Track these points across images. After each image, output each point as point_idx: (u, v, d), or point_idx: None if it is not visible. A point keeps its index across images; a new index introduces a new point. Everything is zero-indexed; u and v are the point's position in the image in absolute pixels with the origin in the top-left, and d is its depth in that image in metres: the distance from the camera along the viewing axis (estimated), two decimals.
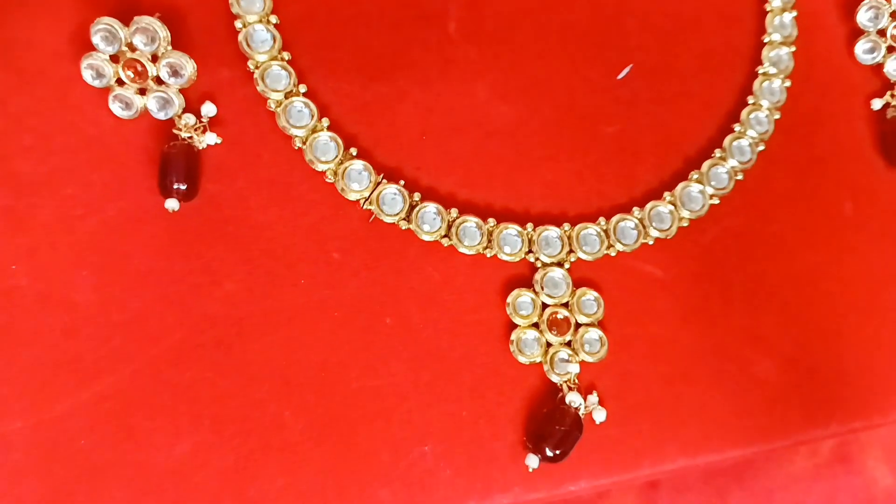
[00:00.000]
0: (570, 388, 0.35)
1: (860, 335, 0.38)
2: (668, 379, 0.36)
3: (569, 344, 0.35)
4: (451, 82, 0.37)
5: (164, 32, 0.33)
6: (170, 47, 0.34)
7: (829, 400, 0.37)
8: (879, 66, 0.41)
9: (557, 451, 0.34)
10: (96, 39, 0.33)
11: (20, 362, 0.32)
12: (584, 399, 0.35)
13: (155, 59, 0.34)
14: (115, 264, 0.33)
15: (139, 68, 0.34)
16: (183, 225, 0.34)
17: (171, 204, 0.34)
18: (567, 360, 0.35)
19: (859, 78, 0.41)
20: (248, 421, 0.33)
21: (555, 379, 0.35)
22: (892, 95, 0.40)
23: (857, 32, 0.41)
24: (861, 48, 0.40)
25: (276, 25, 0.36)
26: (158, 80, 0.34)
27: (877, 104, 0.41)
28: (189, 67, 0.34)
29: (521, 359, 0.35)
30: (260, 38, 0.35)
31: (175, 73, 0.34)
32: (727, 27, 0.40)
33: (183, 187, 0.34)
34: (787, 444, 0.37)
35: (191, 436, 0.33)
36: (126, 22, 0.33)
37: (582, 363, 0.35)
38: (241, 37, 0.35)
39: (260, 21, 0.36)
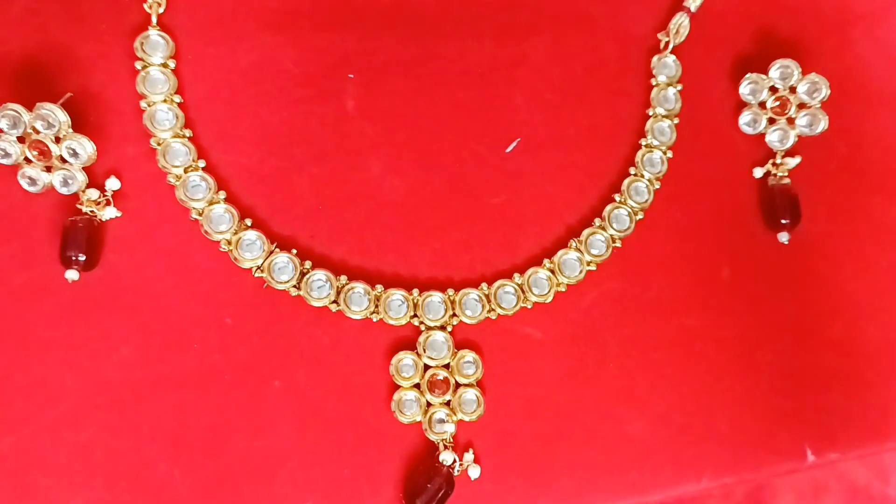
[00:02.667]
0: (445, 447, 0.32)
1: (732, 394, 0.35)
2: (543, 437, 0.33)
3: (448, 404, 0.33)
4: (346, 156, 0.34)
5: (63, 117, 0.31)
6: (70, 130, 0.31)
7: (701, 456, 0.34)
8: (762, 136, 0.37)
9: None
10: (2, 123, 0.31)
11: None
12: (460, 457, 0.32)
13: (58, 140, 0.31)
14: (18, 332, 0.31)
15: (43, 148, 0.31)
16: (84, 294, 0.31)
17: (71, 275, 0.31)
18: (443, 420, 0.32)
19: (744, 147, 0.37)
20: (138, 479, 0.31)
21: (432, 438, 0.32)
22: (773, 164, 0.37)
23: (742, 104, 0.37)
24: (743, 119, 0.37)
25: (179, 104, 0.33)
26: (62, 159, 0.31)
27: (758, 172, 0.37)
28: (88, 148, 0.31)
29: (402, 419, 0.32)
30: (163, 116, 0.33)
31: (75, 154, 0.31)
32: (614, 101, 0.37)
33: (82, 258, 0.31)
34: (660, 499, 0.34)
35: (84, 493, 0.30)
36: (30, 107, 0.31)
37: (459, 422, 0.32)
38: (145, 116, 0.33)
39: (164, 101, 0.33)
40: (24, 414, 0.31)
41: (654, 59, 0.37)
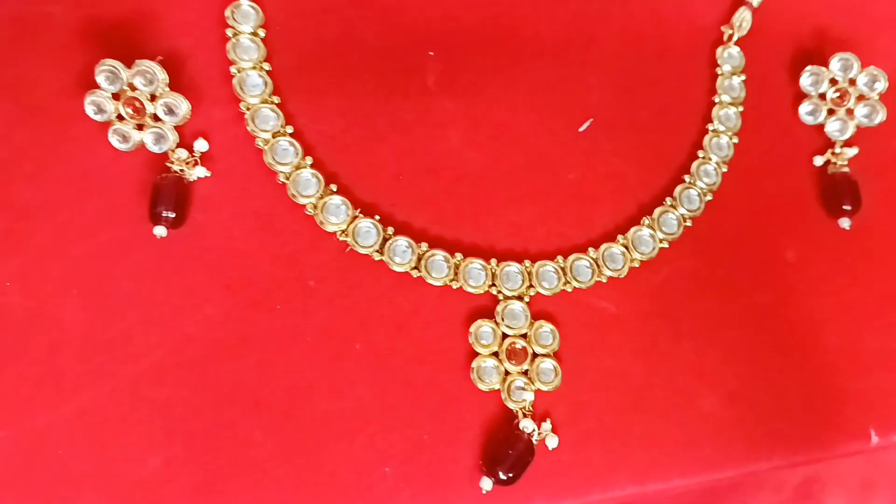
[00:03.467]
0: (524, 415, 0.31)
1: (801, 374, 0.34)
2: (618, 409, 0.32)
3: (525, 373, 0.31)
4: (426, 128, 0.33)
5: (162, 75, 0.30)
6: (167, 88, 0.30)
7: (771, 434, 0.33)
8: (821, 126, 0.37)
9: (510, 475, 0.29)
10: (100, 78, 0.29)
11: (6, 376, 0.28)
12: (538, 426, 0.31)
13: (153, 98, 0.30)
14: (103, 286, 0.29)
15: (138, 105, 0.30)
16: (169, 251, 0.30)
17: (160, 231, 0.30)
18: (523, 389, 0.31)
19: (803, 136, 0.37)
20: (218, 438, 0.29)
21: (511, 406, 0.31)
22: (833, 153, 0.37)
23: (802, 96, 0.37)
24: (804, 110, 0.36)
25: (268, 72, 0.32)
26: (155, 118, 0.30)
27: (818, 161, 0.36)
28: (184, 107, 0.30)
29: (481, 386, 0.31)
30: (252, 82, 0.32)
31: (171, 111, 0.30)
32: (682, 87, 0.36)
33: (171, 216, 0.30)
34: (732, 476, 0.33)
35: (163, 451, 0.28)
36: (128, 64, 0.30)
37: (537, 392, 0.31)
38: (235, 81, 0.32)
39: (254, 67, 0.32)
40: (106, 369, 0.29)
41: (719, 49, 0.36)
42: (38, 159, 0.30)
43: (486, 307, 0.32)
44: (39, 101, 0.31)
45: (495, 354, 0.31)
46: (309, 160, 0.32)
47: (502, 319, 0.31)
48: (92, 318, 0.29)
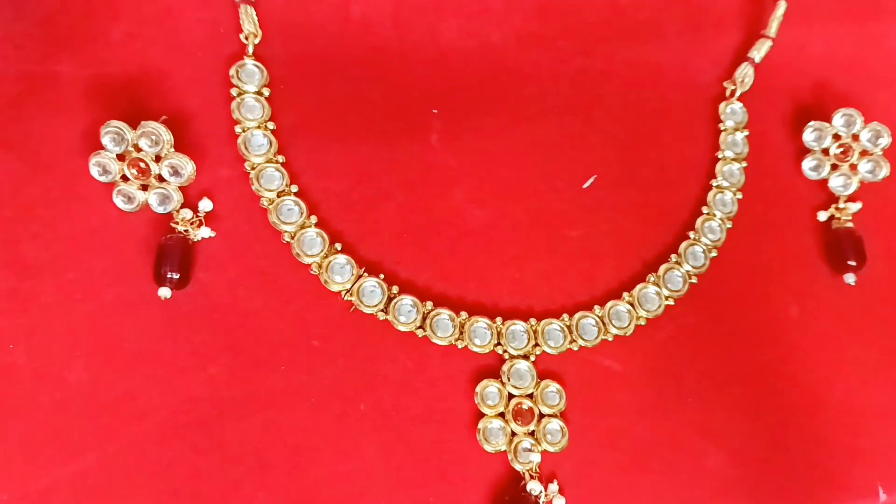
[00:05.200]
0: (531, 477, 0.32)
1: (806, 431, 0.35)
2: (624, 468, 0.33)
3: (532, 434, 0.33)
4: (430, 186, 0.35)
5: (167, 136, 0.32)
6: (172, 149, 0.32)
7: (777, 492, 0.34)
8: (825, 181, 0.39)
9: None
10: (105, 140, 0.31)
11: (10, 436, 0.30)
12: (545, 487, 0.32)
13: (158, 159, 0.32)
14: (108, 346, 0.31)
15: (143, 166, 0.32)
16: (174, 311, 0.32)
17: (164, 292, 0.31)
18: (529, 450, 0.32)
19: (806, 192, 0.39)
20: (223, 500, 0.30)
21: (518, 468, 0.32)
22: (837, 209, 0.39)
23: (805, 150, 0.39)
24: (807, 165, 0.39)
25: (272, 131, 0.34)
26: (160, 178, 0.32)
27: (822, 216, 0.38)
28: (189, 168, 0.32)
29: (487, 447, 0.32)
30: (257, 142, 0.34)
31: (176, 172, 0.32)
32: (684, 144, 0.38)
33: (176, 276, 0.31)
34: None
35: None
36: (134, 125, 0.32)
37: (544, 452, 0.32)
38: (239, 140, 0.34)
39: (258, 127, 0.34)
40: (110, 429, 0.30)
41: (722, 105, 0.39)
42: (44, 218, 0.32)
43: (492, 367, 0.33)
44: (46, 160, 0.32)
45: (501, 415, 0.33)
46: (314, 219, 0.33)
47: (508, 379, 0.33)
48: (96, 378, 0.31)
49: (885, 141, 0.38)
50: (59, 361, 0.31)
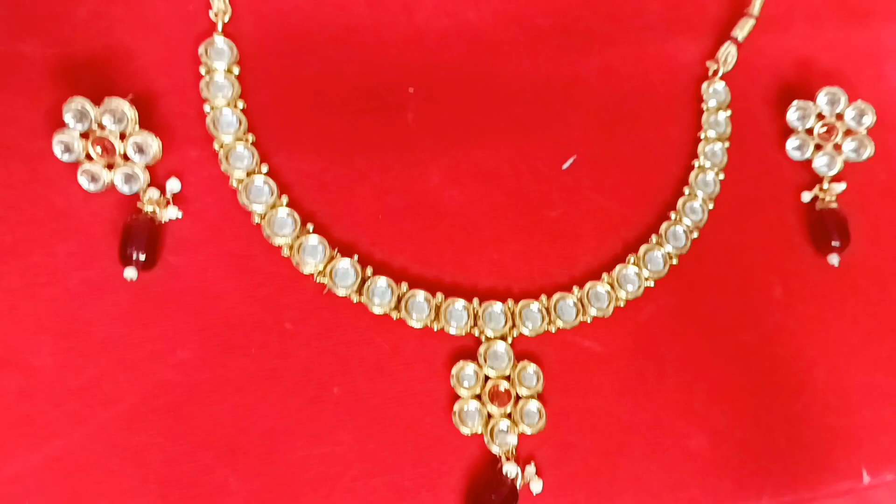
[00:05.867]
0: (507, 459, 0.32)
1: (789, 412, 0.35)
2: (604, 451, 0.33)
3: (509, 416, 0.33)
4: (406, 167, 0.35)
5: (131, 113, 0.31)
6: (137, 127, 0.32)
7: (760, 473, 0.34)
8: (808, 161, 0.39)
9: None
10: (67, 117, 0.31)
11: None
12: (522, 470, 0.32)
13: (123, 137, 0.32)
14: (75, 331, 0.31)
15: (107, 145, 0.32)
16: (142, 295, 0.32)
17: (130, 273, 0.31)
18: (506, 432, 0.32)
19: (790, 172, 0.39)
20: (193, 486, 0.30)
21: (494, 450, 0.32)
22: (821, 189, 0.39)
23: (788, 129, 0.39)
24: (791, 145, 0.39)
25: (242, 110, 0.34)
26: (125, 157, 0.32)
27: (806, 197, 0.39)
28: (154, 146, 0.32)
29: (463, 429, 0.32)
30: (226, 120, 0.34)
31: (140, 150, 0.32)
32: (665, 124, 0.38)
33: (142, 257, 0.31)
34: None
35: (137, 499, 0.30)
36: (98, 102, 0.32)
37: (521, 435, 0.33)
38: (208, 119, 0.34)
39: (227, 105, 0.34)
40: (77, 415, 0.30)
41: (704, 85, 0.39)
42: (8, 200, 0.32)
43: (469, 348, 0.34)
44: (9, 141, 0.32)
45: (478, 397, 0.33)
46: (285, 199, 0.33)
47: (485, 361, 0.33)
48: (63, 364, 0.30)
49: (870, 120, 0.38)
50: (24, 347, 0.30)
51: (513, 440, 0.32)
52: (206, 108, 0.34)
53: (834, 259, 0.37)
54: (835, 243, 0.37)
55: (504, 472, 0.32)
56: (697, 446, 0.34)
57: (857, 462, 0.36)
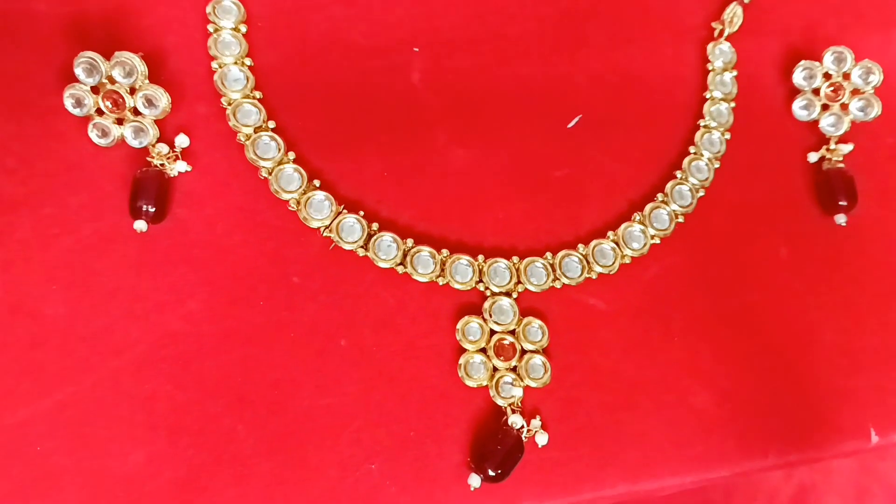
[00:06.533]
0: (513, 411, 0.33)
1: (796, 372, 0.36)
2: (609, 406, 0.34)
3: (514, 369, 0.34)
4: (412, 126, 0.36)
5: (141, 67, 0.33)
6: (147, 81, 0.33)
7: (765, 432, 0.35)
8: (815, 122, 0.40)
9: (499, 471, 0.32)
10: (78, 71, 0.32)
11: None
12: (528, 422, 0.33)
13: (133, 91, 0.33)
14: (86, 281, 0.32)
15: (118, 99, 0.33)
16: (152, 246, 0.33)
17: (140, 225, 0.32)
18: (511, 384, 0.33)
19: (796, 132, 0.40)
20: (201, 433, 0.31)
21: (499, 402, 0.33)
22: (827, 149, 0.39)
23: (794, 91, 0.40)
24: (798, 105, 0.39)
25: (250, 67, 0.35)
26: (135, 111, 0.33)
27: (813, 157, 0.39)
28: (164, 100, 0.33)
29: (469, 382, 0.33)
30: (234, 77, 0.35)
31: (150, 104, 0.33)
32: (671, 84, 0.39)
33: (152, 210, 0.32)
34: (725, 476, 0.35)
35: (145, 445, 0.31)
36: (108, 57, 0.33)
37: (526, 388, 0.33)
38: (216, 76, 0.35)
39: (235, 63, 0.35)
40: (87, 363, 0.31)
41: (710, 45, 0.39)
42: (20, 154, 0.33)
43: (474, 304, 0.34)
44: (21, 97, 0.33)
45: (483, 351, 0.34)
46: (292, 155, 0.34)
47: (490, 316, 0.34)
48: (73, 313, 0.31)
49: (877, 78, 0.39)
50: (36, 295, 0.31)
51: (518, 392, 0.33)
52: (214, 65, 0.35)
53: (840, 219, 0.38)
54: (841, 202, 0.38)
55: (510, 424, 0.33)
56: (702, 404, 0.35)
57: (864, 422, 0.36)
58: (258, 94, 0.35)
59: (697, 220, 0.37)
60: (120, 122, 0.33)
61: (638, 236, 0.36)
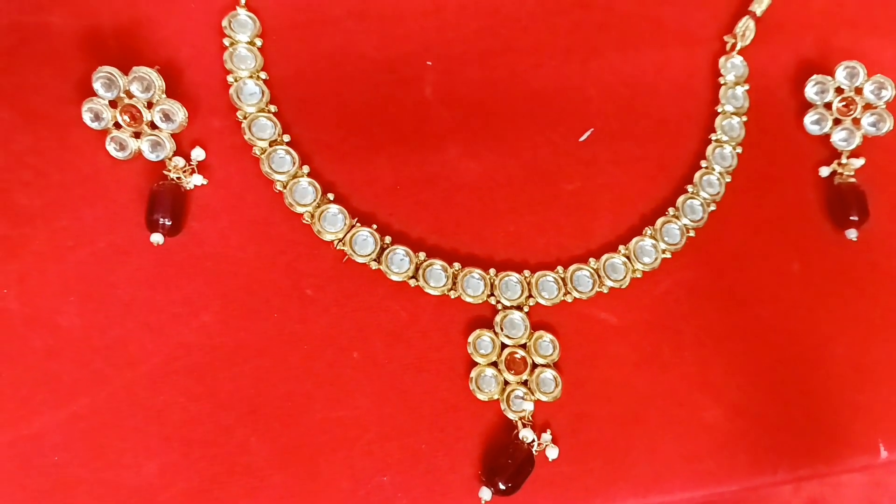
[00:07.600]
0: (524, 425, 0.34)
1: (806, 386, 0.37)
2: (620, 421, 0.35)
3: (525, 383, 0.35)
4: (424, 139, 0.37)
5: (159, 82, 0.34)
6: (164, 95, 0.34)
7: (776, 448, 0.36)
8: (827, 136, 0.40)
9: (509, 485, 0.33)
10: (97, 85, 0.33)
11: (2, 380, 0.32)
12: (538, 436, 0.34)
13: (150, 105, 0.34)
14: (101, 293, 0.33)
15: (135, 113, 0.34)
16: (167, 259, 0.34)
17: (156, 238, 0.33)
18: (522, 398, 0.34)
19: (808, 147, 0.41)
20: (214, 445, 0.32)
21: (510, 416, 0.34)
22: (839, 164, 0.40)
23: (806, 105, 0.41)
24: (809, 119, 0.40)
25: (265, 81, 0.36)
26: (152, 125, 0.34)
27: (824, 172, 0.40)
28: (180, 114, 0.34)
29: (480, 395, 0.34)
30: (249, 91, 0.36)
31: (167, 118, 0.34)
32: (683, 98, 0.40)
33: (168, 223, 0.33)
34: (735, 491, 0.36)
35: (159, 456, 0.32)
36: (126, 71, 0.34)
37: (537, 402, 0.34)
38: (231, 90, 0.36)
39: (250, 77, 0.36)
40: (102, 375, 0.32)
41: (722, 59, 0.40)
42: (37, 166, 0.34)
43: (485, 317, 0.35)
44: (38, 109, 0.34)
45: (494, 364, 0.35)
46: (306, 169, 0.35)
47: (501, 329, 0.35)
48: (89, 324, 0.33)
49: (889, 93, 0.39)
50: (52, 307, 0.33)
51: (529, 406, 0.34)
52: (230, 78, 0.36)
53: (852, 233, 0.39)
54: (853, 217, 0.39)
55: (521, 438, 0.33)
56: (713, 419, 0.36)
57: (874, 437, 0.37)
58: (273, 108, 0.36)
59: (709, 235, 0.38)
60: (137, 135, 0.34)
61: (649, 250, 0.37)
